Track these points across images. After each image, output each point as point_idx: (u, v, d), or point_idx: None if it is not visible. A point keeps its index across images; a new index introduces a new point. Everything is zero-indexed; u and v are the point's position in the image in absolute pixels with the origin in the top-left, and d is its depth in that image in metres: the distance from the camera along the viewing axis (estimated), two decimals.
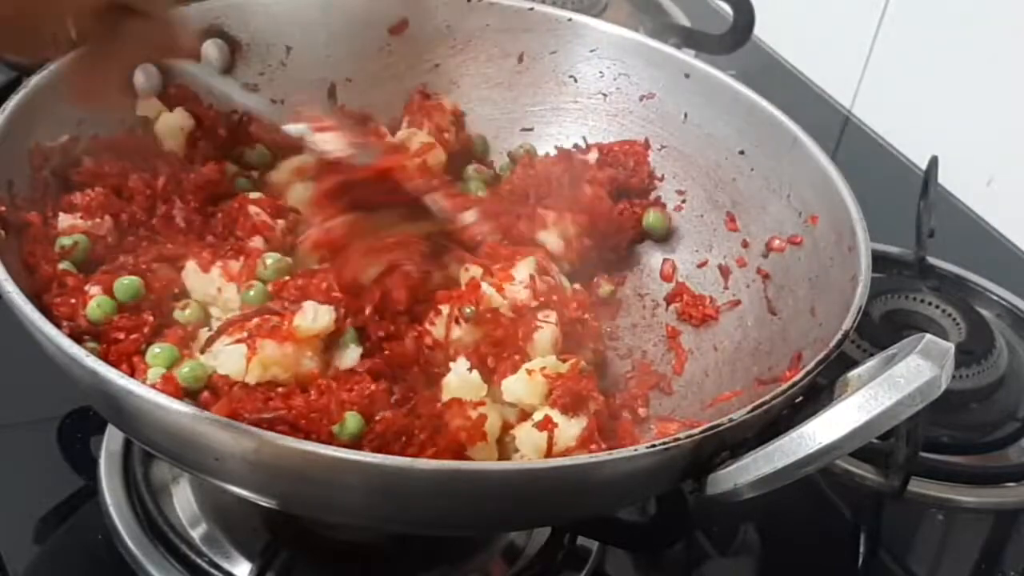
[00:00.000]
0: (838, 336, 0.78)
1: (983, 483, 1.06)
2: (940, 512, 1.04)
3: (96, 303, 0.81)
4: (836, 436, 0.68)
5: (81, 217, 0.87)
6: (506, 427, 0.82)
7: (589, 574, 0.92)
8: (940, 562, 1.05)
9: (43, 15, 0.77)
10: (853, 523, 1.04)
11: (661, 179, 1.05)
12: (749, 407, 0.72)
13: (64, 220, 0.87)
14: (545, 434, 0.80)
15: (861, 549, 1.02)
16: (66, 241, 0.85)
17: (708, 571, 0.99)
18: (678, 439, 0.69)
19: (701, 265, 1.02)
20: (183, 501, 0.92)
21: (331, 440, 0.77)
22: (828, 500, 1.03)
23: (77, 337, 0.76)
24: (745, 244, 0.99)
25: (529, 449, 0.81)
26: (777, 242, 0.97)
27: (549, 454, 0.80)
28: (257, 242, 0.91)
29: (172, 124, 0.97)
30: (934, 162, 1.24)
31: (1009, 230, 1.40)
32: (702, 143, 1.04)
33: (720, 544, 0.99)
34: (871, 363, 0.75)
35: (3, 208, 0.82)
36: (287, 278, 0.86)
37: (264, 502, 0.76)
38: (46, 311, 0.77)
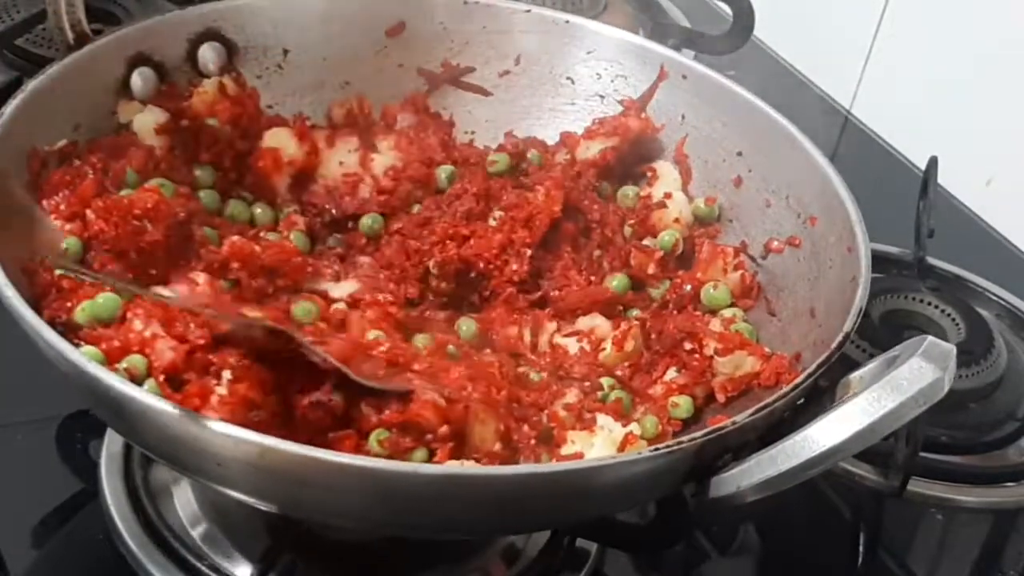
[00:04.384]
0: (839, 337, 0.78)
1: (982, 483, 1.06)
2: (940, 512, 1.04)
3: (82, 309, 0.81)
4: (840, 438, 0.68)
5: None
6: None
7: (588, 574, 0.92)
8: (940, 562, 1.05)
9: None
10: (853, 523, 1.04)
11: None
12: (752, 409, 0.72)
13: None
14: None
15: (861, 549, 1.02)
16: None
17: (708, 571, 0.99)
18: (681, 442, 0.69)
19: None
20: (183, 503, 0.92)
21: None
22: (828, 500, 1.03)
23: (73, 342, 0.76)
24: (744, 245, 0.99)
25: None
26: (776, 243, 0.97)
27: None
28: None
29: (146, 122, 0.96)
30: (934, 162, 1.24)
31: (1009, 230, 1.40)
32: (700, 144, 1.04)
33: (720, 544, 0.99)
34: (872, 365, 0.75)
35: None
36: None
37: (265, 506, 0.76)
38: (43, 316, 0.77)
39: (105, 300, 0.81)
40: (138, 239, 0.86)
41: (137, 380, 0.75)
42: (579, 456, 0.80)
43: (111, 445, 0.94)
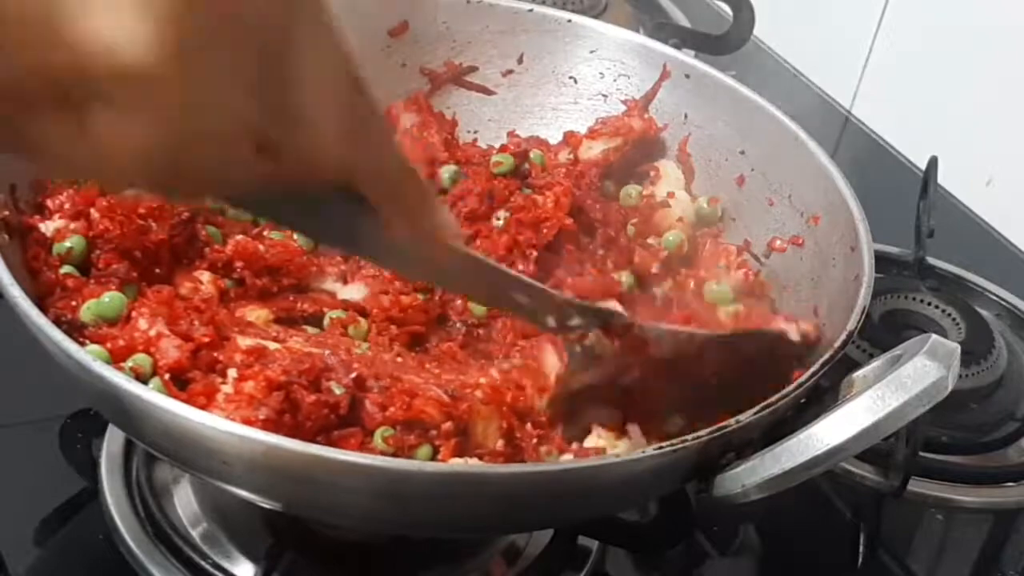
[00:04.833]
0: (843, 336, 0.78)
1: (983, 483, 1.06)
2: (940, 512, 1.04)
3: (87, 308, 0.80)
4: (844, 437, 0.68)
5: (60, 217, 0.86)
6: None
7: (589, 574, 0.92)
8: (940, 562, 1.04)
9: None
10: (853, 523, 1.03)
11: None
12: (756, 408, 0.72)
13: (49, 227, 0.85)
14: None
15: (861, 549, 1.02)
16: (61, 248, 0.84)
17: (708, 571, 0.99)
18: (685, 441, 0.69)
19: None
20: (184, 502, 0.91)
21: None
22: (828, 500, 1.03)
23: (78, 341, 0.76)
24: (747, 244, 0.99)
25: None
26: (779, 242, 0.97)
27: None
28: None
29: None
30: (934, 162, 1.24)
31: (1009, 230, 1.40)
32: (702, 144, 1.04)
33: (720, 544, 0.99)
34: (876, 364, 0.75)
35: (6, 213, 0.82)
36: None
37: (270, 505, 0.76)
38: (48, 315, 0.77)
39: (111, 299, 0.81)
40: (143, 238, 0.86)
41: (143, 379, 0.75)
42: (583, 454, 0.81)
43: (111, 444, 0.94)
